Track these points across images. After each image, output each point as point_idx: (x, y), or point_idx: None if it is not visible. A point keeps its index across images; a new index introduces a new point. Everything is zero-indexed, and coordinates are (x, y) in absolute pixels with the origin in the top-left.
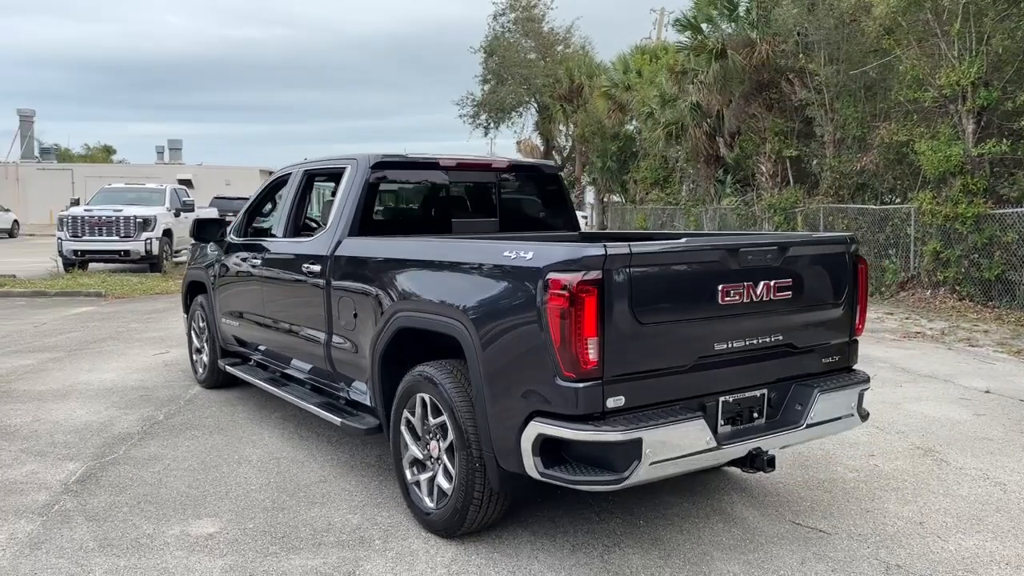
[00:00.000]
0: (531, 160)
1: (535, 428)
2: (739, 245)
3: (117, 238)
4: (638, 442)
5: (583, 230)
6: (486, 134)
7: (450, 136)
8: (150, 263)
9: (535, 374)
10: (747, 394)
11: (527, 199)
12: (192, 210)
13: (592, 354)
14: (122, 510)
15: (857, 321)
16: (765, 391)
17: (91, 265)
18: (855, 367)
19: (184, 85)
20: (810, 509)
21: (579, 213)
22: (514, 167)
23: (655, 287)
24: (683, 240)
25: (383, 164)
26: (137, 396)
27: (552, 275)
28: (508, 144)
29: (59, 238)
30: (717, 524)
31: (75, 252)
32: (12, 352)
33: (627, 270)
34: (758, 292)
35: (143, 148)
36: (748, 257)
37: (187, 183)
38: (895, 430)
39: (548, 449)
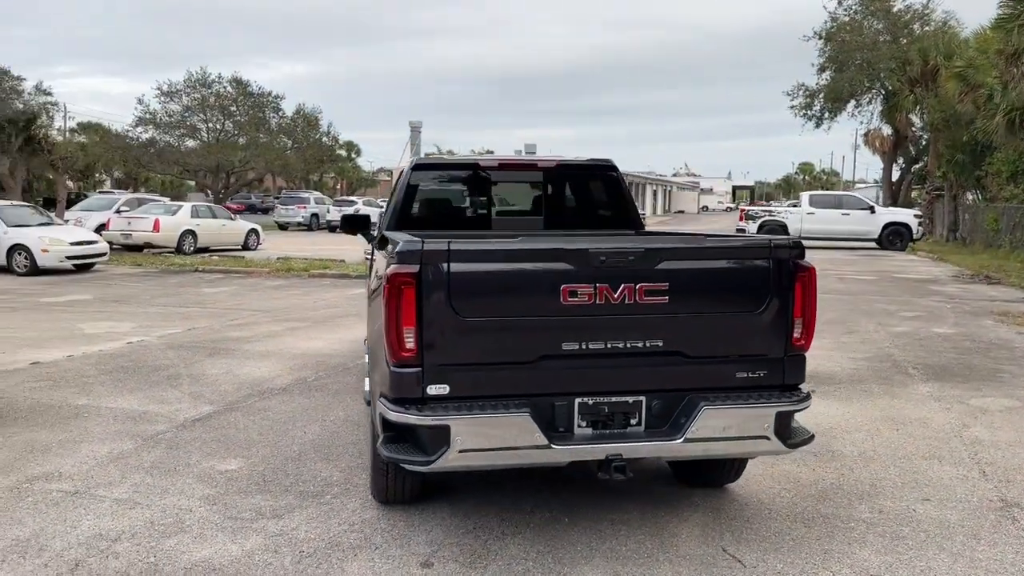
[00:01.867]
0: (583, 159)
1: (378, 407)
2: (587, 247)
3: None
4: (445, 429)
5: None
6: (818, 126)
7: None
8: None
9: (381, 358)
10: (615, 399)
11: (579, 197)
12: None
13: (410, 343)
14: (194, 444)
15: (796, 335)
16: (643, 398)
17: None
18: (799, 387)
19: (564, 91)
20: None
21: (911, 212)
22: (563, 166)
23: (478, 283)
24: (518, 239)
25: (423, 166)
26: (315, 362)
27: (390, 267)
28: (842, 137)
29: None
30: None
31: None
32: (275, 320)
33: (446, 266)
34: (616, 295)
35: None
36: (601, 259)
37: None
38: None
39: (389, 427)
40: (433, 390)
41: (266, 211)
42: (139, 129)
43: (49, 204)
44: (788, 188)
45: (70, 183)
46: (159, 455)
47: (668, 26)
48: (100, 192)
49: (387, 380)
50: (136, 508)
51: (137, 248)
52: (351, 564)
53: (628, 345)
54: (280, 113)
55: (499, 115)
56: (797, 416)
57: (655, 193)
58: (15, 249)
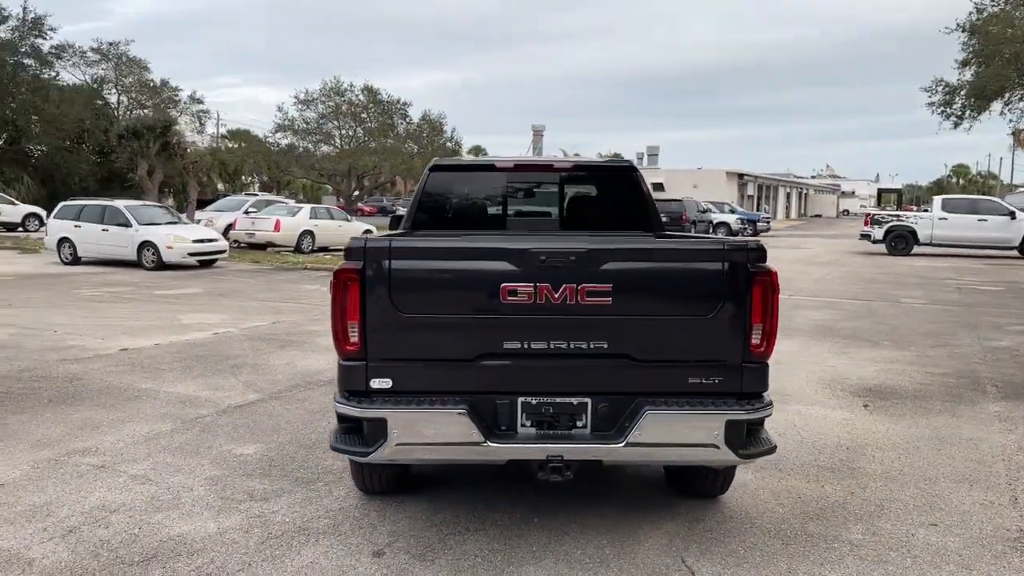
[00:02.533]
0: (602, 160)
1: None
2: (528, 247)
3: None
4: (383, 422)
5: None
6: (956, 125)
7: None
8: None
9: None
10: (559, 400)
11: (596, 199)
12: None
13: (354, 337)
14: (224, 429)
15: (755, 342)
16: (589, 400)
17: None
18: (762, 395)
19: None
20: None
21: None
22: (580, 167)
23: (417, 280)
24: (460, 238)
25: (440, 167)
26: None
27: (338, 264)
28: (1000, 138)
29: None
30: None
31: None
32: None
33: (387, 263)
34: (558, 296)
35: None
36: (541, 259)
37: (659, 187)
38: None
39: (343, 419)
40: (376, 384)
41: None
42: (278, 135)
43: (202, 204)
44: (940, 192)
45: (221, 185)
46: (189, 437)
47: (818, 21)
48: (246, 194)
49: (337, 371)
50: (145, 484)
51: (260, 247)
52: (309, 548)
53: (572, 346)
54: (407, 119)
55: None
56: (808, 426)
57: (788, 196)
58: (144, 246)
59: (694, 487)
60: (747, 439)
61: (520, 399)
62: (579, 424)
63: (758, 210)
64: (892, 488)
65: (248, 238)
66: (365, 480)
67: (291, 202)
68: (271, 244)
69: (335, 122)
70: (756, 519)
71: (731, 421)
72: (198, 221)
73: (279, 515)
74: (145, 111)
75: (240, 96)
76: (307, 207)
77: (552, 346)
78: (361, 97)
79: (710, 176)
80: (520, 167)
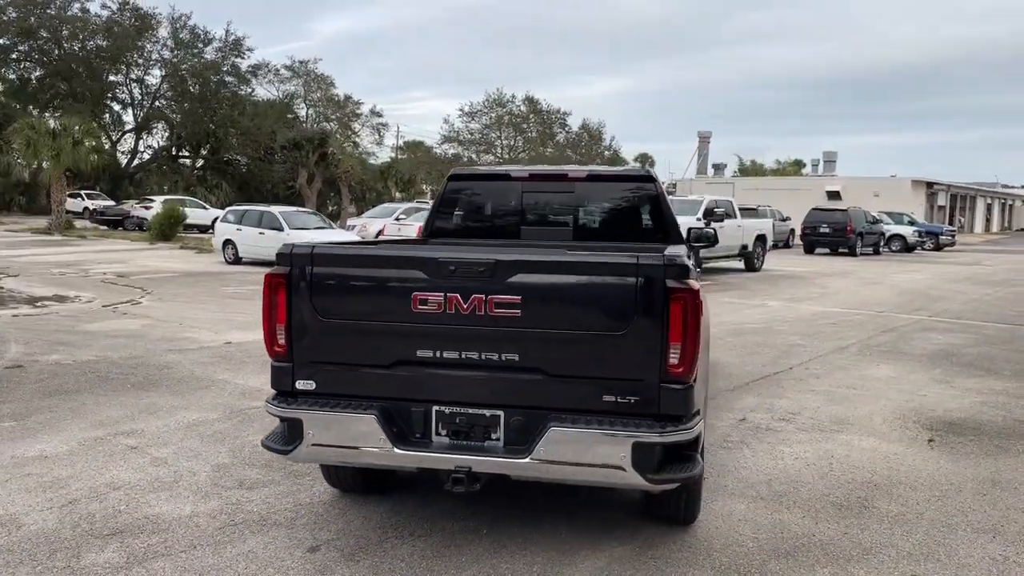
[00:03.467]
0: (618, 169)
1: None
2: (438, 256)
3: None
4: (299, 422)
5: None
6: None
7: None
8: None
9: None
10: (471, 411)
11: (611, 209)
12: (721, 220)
13: (282, 339)
14: (262, 421)
15: (673, 362)
16: (501, 413)
17: None
18: (683, 418)
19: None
20: None
21: None
22: (594, 177)
23: (337, 286)
24: (377, 245)
25: (458, 176)
26: None
27: (272, 268)
28: None
29: None
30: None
31: None
32: None
33: (310, 269)
34: (467, 306)
35: (859, 160)
36: (451, 268)
37: (835, 195)
38: None
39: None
40: (301, 385)
41: None
42: (445, 145)
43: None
44: None
45: (397, 194)
46: (226, 427)
47: None
48: (418, 201)
49: (270, 372)
50: (159, 466)
51: None
52: (255, 538)
53: (483, 357)
54: (566, 128)
55: (820, 121)
56: (848, 458)
57: (989, 207)
58: None
59: (658, 511)
60: (668, 463)
61: (435, 408)
62: (493, 437)
63: (949, 223)
64: (895, 532)
65: None
66: (331, 476)
67: None
68: None
69: (497, 132)
70: (716, 552)
71: (639, 443)
72: (352, 227)
73: (252, 504)
74: (330, 123)
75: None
76: None
77: (464, 356)
78: (522, 108)
79: (894, 185)
80: (535, 177)
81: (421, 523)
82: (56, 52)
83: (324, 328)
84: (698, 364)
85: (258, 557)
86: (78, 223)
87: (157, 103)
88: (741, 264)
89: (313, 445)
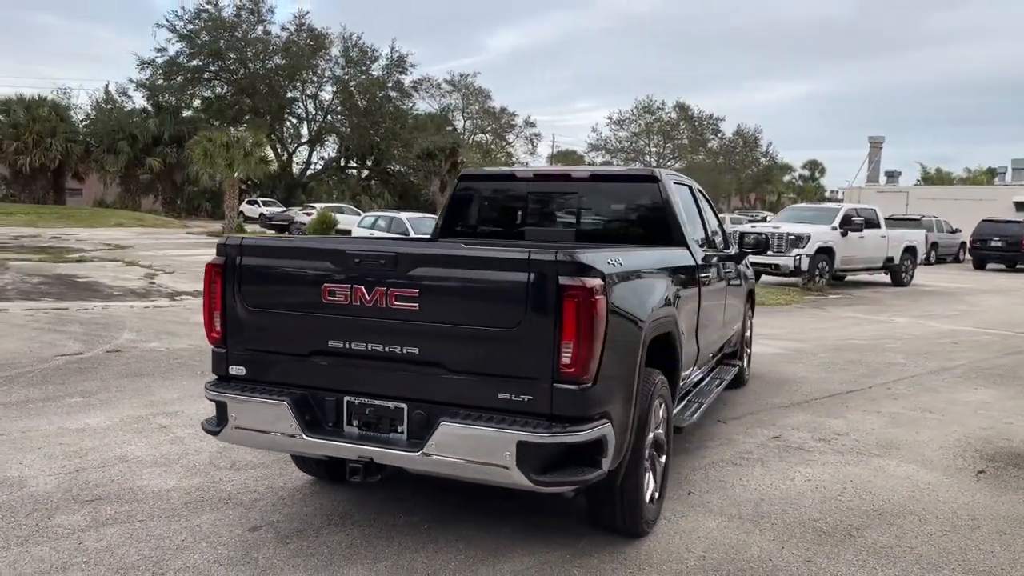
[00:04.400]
0: (621, 169)
1: None
2: (345, 248)
3: (771, 252)
4: (224, 405)
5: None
6: None
7: None
8: (802, 277)
9: None
10: (377, 402)
11: (614, 210)
12: (860, 230)
13: (218, 326)
14: None
15: (566, 361)
16: (405, 406)
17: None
18: (580, 419)
19: None
20: None
21: None
22: (597, 176)
23: (260, 277)
24: (296, 238)
25: (466, 177)
26: None
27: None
28: None
29: None
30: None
31: None
32: None
33: (239, 259)
34: (370, 298)
35: None
36: (356, 261)
37: (1022, 206)
38: None
39: None
40: (233, 370)
41: None
42: (592, 154)
43: None
44: None
45: None
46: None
47: None
48: None
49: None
50: (173, 444)
51: None
52: (210, 514)
53: (386, 349)
54: (719, 135)
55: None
56: (868, 484)
57: None
58: None
59: (596, 520)
60: (563, 465)
61: (346, 398)
62: (398, 429)
63: None
64: (867, 565)
65: None
66: (297, 461)
67: None
68: None
69: (646, 140)
70: (650, 566)
71: (523, 442)
72: None
73: (229, 484)
74: (485, 134)
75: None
76: None
77: (369, 348)
78: (673, 114)
79: None
80: (540, 177)
81: (369, 513)
82: (241, 71)
83: (251, 317)
84: (609, 365)
85: (200, 531)
86: (249, 227)
87: (329, 117)
88: (888, 277)
89: (236, 428)
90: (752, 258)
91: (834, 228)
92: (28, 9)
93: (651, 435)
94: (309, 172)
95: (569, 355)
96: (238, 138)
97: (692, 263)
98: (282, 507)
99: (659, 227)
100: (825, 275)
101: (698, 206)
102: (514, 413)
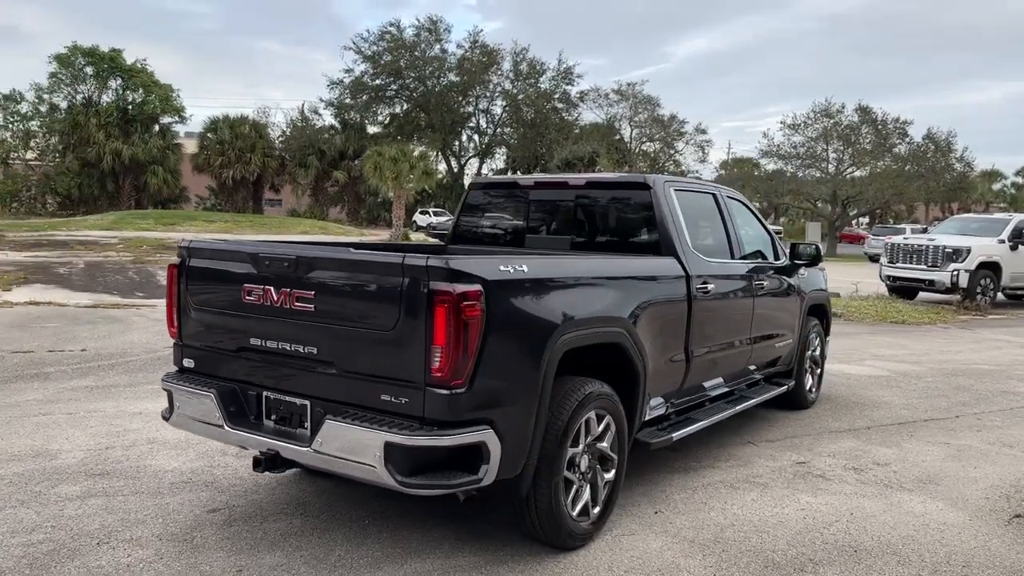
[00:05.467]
0: (614, 176)
1: None
2: (258, 251)
3: (924, 267)
4: (171, 395)
5: None
6: None
7: None
8: (960, 294)
9: None
10: (286, 398)
11: (607, 217)
12: None
13: (174, 322)
14: None
15: (436, 365)
16: (308, 403)
17: (919, 295)
18: (456, 424)
19: None
20: None
21: None
22: (592, 184)
23: (201, 277)
24: (227, 241)
25: (475, 185)
26: None
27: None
28: None
29: (881, 263)
30: None
31: (889, 278)
32: None
33: (188, 261)
34: (276, 298)
35: None
36: (266, 263)
37: None
38: None
39: None
40: (186, 363)
41: None
42: (764, 161)
43: None
44: None
45: None
46: None
47: None
48: None
49: None
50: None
51: None
52: (185, 495)
53: (292, 348)
54: (907, 139)
55: None
56: (874, 518)
57: None
58: None
59: (521, 527)
60: (437, 469)
61: (265, 393)
62: (304, 425)
63: None
64: None
65: None
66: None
67: None
68: None
69: (823, 145)
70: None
71: (390, 443)
72: None
73: (222, 469)
74: (653, 143)
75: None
76: None
77: (279, 346)
78: (854, 118)
79: None
80: (540, 185)
81: (324, 505)
82: (420, 88)
83: (196, 314)
84: (494, 372)
85: (165, 509)
86: (414, 236)
87: (499, 130)
88: None
89: (179, 415)
90: (903, 273)
91: (1002, 241)
92: (254, 37)
93: (579, 448)
94: None
95: (439, 360)
96: (404, 152)
97: (680, 273)
98: (252, 493)
99: (649, 235)
100: (990, 293)
101: (722, 215)
102: (393, 415)
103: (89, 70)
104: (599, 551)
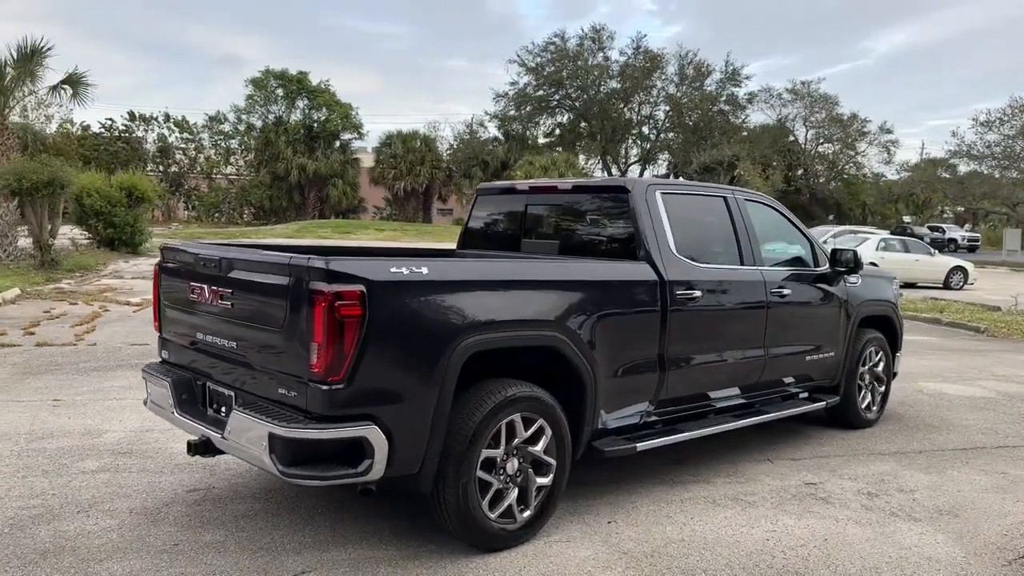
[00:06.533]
0: (596, 180)
1: None
2: (198, 252)
3: None
4: (146, 382)
5: None
6: None
7: None
8: None
9: None
10: (221, 389)
11: (590, 222)
12: None
13: (156, 317)
14: None
15: (313, 361)
16: (233, 394)
17: None
18: (339, 418)
19: None
20: None
21: None
22: (577, 189)
23: (169, 275)
24: (188, 243)
25: (483, 190)
26: None
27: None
28: None
29: None
30: None
31: None
32: None
33: (164, 262)
34: (208, 296)
35: None
36: (203, 264)
37: None
38: None
39: None
40: (163, 355)
41: None
42: (955, 161)
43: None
44: None
45: (907, 217)
46: None
47: None
48: (929, 225)
49: None
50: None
51: None
52: (180, 475)
53: (220, 343)
54: None
55: None
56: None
57: None
58: None
59: (435, 521)
60: (319, 461)
61: (208, 384)
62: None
63: None
64: None
65: None
66: None
67: (870, 231)
68: None
69: (1022, 142)
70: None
71: (272, 434)
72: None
73: (225, 456)
74: (832, 144)
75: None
76: (875, 238)
77: (213, 341)
78: None
79: None
80: (534, 190)
81: (293, 493)
82: (584, 97)
83: (167, 310)
84: (380, 370)
85: (154, 485)
86: None
87: (662, 136)
88: None
89: (150, 401)
90: None
91: None
92: (441, 55)
93: (499, 450)
94: None
95: (316, 356)
96: (554, 160)
97: (652, 278)
98: (236, 477)
99: (625, 239)
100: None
101: (733, 220)
102: (289, 407)
103: (280, 92)
104: (520, 555)
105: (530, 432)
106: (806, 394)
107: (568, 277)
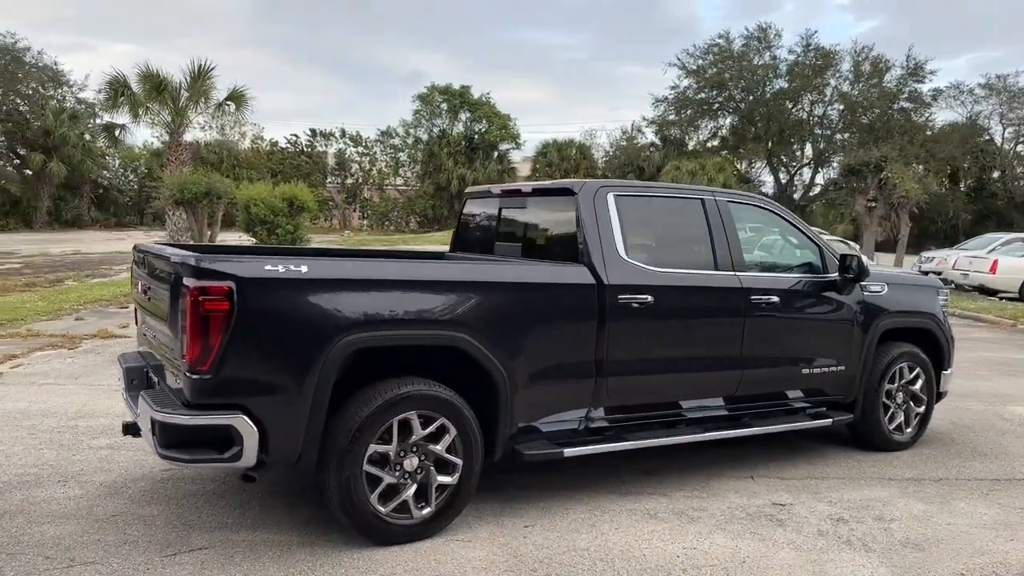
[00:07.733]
0: (549, 183)
1: None
2: (150, 251)
3: None
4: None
5: None
6: None
7: None
8: None
9: None
10: (154, 377)
11: (544, 224)
12: None
13: (136, 311)
14: None
15: (184, 352)
16: (158, 380)
17: None
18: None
19: None
20: None
21: None
22: (537, 191)
23: (137, 276)
24: (155, 245)
25: (468, 195)
26: None
27: None
28: None
29: None
30: None
31: None
32: None
33: (133, 261)
34: (148, 294)
35: None
36: (142, 261)
37: None
38: None
39: None
40: (139, 349)
41: None
42: None
43: None
44: None
45: None
46: None
47: None
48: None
49: None
50: None
51: (979, 291)
52: (152, 457)
53: (152, 334)
54: None
55: None
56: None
57: None
58: None
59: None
60: (197, 446)
61: (149, 371)
62: None
63: None
64: None
65: (962, 279)
66: None
67: None
68: (983, 288)
69: None
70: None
71: (152, 419)
72: (930, 259)
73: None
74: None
75: None
76: None
77: (148, 332)
78: None
79: None
80: (505, 193)
81: (264, 482)
82: (750, 98)
83: (137, 305)
84: (249, 362)
85: (139, 464)
86: None
87: (835, 136)
88: None
89: (120, 387)
90: None
91: None
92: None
93: (390, 446)
94: (810, 194)
95: (186, 348)
96: (703, 165)
97: (588, 281)
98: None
99: (569, 241)
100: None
101: (709, 224)
102: (177, 395)
103: (444, 106)
104: (411, 551)
105: (429, 430)
106: (816, 410)
107: (474, 278)
